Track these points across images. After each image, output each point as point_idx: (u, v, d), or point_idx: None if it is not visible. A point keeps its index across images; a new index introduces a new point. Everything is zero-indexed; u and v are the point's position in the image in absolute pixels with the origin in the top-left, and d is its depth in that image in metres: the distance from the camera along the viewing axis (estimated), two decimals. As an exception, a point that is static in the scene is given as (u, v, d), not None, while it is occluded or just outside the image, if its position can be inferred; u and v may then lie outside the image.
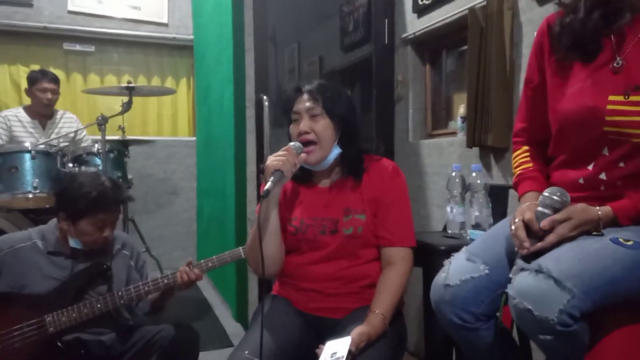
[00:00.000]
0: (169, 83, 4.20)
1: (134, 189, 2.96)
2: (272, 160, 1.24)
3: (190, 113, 4.28)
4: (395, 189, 1.35)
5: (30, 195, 2.33)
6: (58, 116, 3.08)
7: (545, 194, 1.07)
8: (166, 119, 4.23)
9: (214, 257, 1.71)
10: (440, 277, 1.13)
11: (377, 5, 2.67)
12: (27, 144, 2.39)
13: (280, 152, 1.26)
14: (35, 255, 1.60)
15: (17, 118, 2.97)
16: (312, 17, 3.83)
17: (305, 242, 1.34)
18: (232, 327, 2.58)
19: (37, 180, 2.32)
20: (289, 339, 1.28)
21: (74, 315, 1.54)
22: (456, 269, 1.11)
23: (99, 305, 1.56)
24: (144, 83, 4.04)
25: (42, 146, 2.39)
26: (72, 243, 1.61)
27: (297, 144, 1.29)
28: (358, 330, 1.17)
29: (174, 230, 3.94)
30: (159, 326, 1.67)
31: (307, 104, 1.31)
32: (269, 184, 1.20)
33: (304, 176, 1.37)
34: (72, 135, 3.10)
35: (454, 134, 2.24)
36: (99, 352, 1.59)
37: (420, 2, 2.33)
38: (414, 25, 2.39)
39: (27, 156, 2.33)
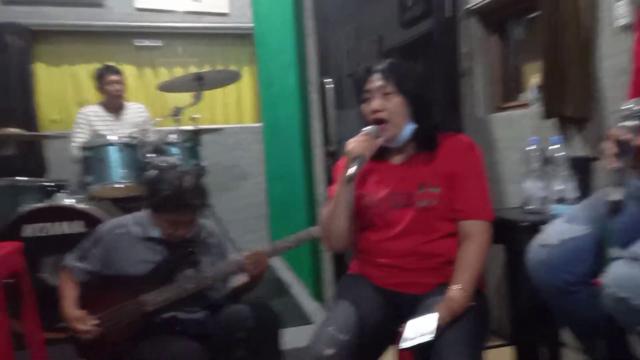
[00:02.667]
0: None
1: (208, 176, 3.11)
2: (353, 145, 1.29)
3: (254, 100, 4.39)
4: (471, 162, 1.35)
5: (117, 185, 2.52)
6: (128, 107, 3.31)
7: (623, 107, 1.02)
8: (232, 107, 4.36)
9: (287, 237, 1.77)
10: (539, 239, 1.11)
11: (438, -23, 2.59)
12: (113, 137, 2.58)
13: (360, 137, 1.31)
14: (132, 240, 1.72)
15: (95, 113, 3.22)
16: (367, -3, 3.77)
17: (380, 218, 1.37)
18: (310, 305, 2.66)
19: (123, 170, 2.51)
20: (370, 315, 1.32)
21: (168, 294, 1.66)
22: (555, 230, 1.10)
23: (189, 286, 1.67)
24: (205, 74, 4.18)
25: (126, 138, 2.57)
26: (153, 232, 1.72)
27: (374, 128, 1.33)
28: (441, 305, 1.19)
29: (245, 214, 4.09)
30: (242, 305, 1.75)
31: (379, 82, 1.33)
32: (353, 169, 1.25)
33: (378, 152, 1.38)
34: (140, 123, 3.30)
35: (525, 105, 2.15)
36: (193, 329, 1.70)
37: (485, -30, 2.23)
38: (479, -5, 2.30)
39: (113, 148, 2.53)
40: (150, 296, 1.65)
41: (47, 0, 3.74)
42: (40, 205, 2.33)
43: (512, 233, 1.44)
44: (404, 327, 1.19)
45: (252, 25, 3.97)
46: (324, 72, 2.41)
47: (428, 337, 1.12)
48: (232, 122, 4.31)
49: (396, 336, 1.25)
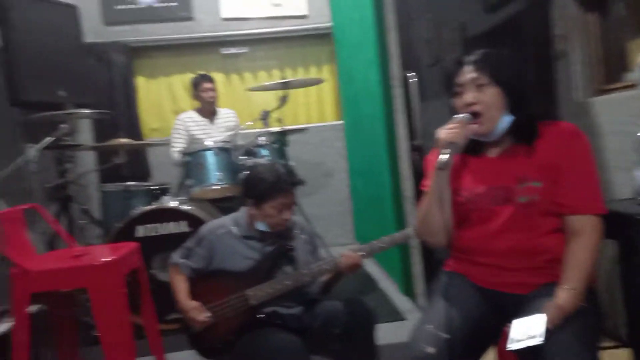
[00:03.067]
0: (313, 72, 4.41)
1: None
2: (444, 133, 1.26)
3: (334, 98, 4.45)
4: (576, 151, 1.26)
5: (216, 187, 2.70)
6: (221, 113, 3.52)
7: None
8: (313, 106, 4.46)
9: (383, 238, 1.78)
10: None
11: (527, -44, 2.45)
12: (209, 143, 2.76)
13: (451, 125, 1.27)
14: (232, 239, 1.85)
15: (191, 119, 3.45)
16: (449, -20, 3.64)
17: (476, 213, 1.32)
18: (401, 302, 2.66)
19: (219, 173, 2.68)
20: (470, 314, 1.28)
21: (269, 290, 1.76)
22: None
23: (288, 282, 1.76)
24: (291, 74, 4.32)
25: (220, 143, 2.74)
26: (259, 226, 1.82)
27: (466, 115, 1.28)
28: (550, 306, 1.13)
29: (331, 210, 4.17)
30: (334, 301, 1.82)
31: (471, 74, 1.28)
32: (444, 156, 1.22)
33: (471, 146, 1.34)
34: (233, 128, 3.51)
35: (632, 87, 1.98)
36: (291, 323, 1.78)
37: (580, -55, 2.08)
38: (574, -29, 2.14)
39: (209, 153, 2.70)
40: (253, 291, 1.76)
41: (143, 18, 4.06)
42: (149, 207, 2.56)
43: (626, 227, 1.33)
44: (509, 328, 1.15)
45: (330, 24, 4.03)
46: (406, 65, 2.38)
47: (538, 340, 1.07)
48: (314, 121, 4.41)
49: (497, 337, 1.22)
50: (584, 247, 1.22)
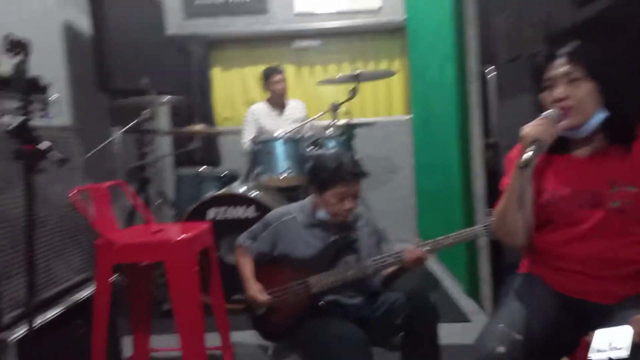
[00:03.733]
0: (384, 66, 4.38)
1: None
2: (530, 129, 1.19)
3: (404, 93, 4.38)
4: None
5: (283, 176, 2.76)
6: (290, 104, 3.61)
7: None
8: (382, 100, 4.42)
9: (450, 234, 1.71)
10: None
11: (626, -58, 2.26)
12: (279, 133, 2.83)
13: (537, 121, 1.20)
14: (297, 226, 1.87)
15: (262, 110, 3.54)
16: (534, -27, 3.46)
17: (560, 216, 1.25)
18: (465, 303, 2.58)
19: (287, 162, 2.74)
20: (547, 318, 1.22)
21: (331, 279, 1.76)
22: None
23: (351, 272, 1.76)
24: (362, 68, 4.30)
25: (290, 134, 2.80)
26: (320, 214, 1.83)
27: (555, 111, 1.20)
28: (637, 318, 1.05)
29: (394, 206, 4.13)
30: (397, 292, 1.79)
31: (564, 68, 1.20)
32: (529, 154, 1.16)
33: (556, 144, 1.25)
34: (302, 119, 3.55)
35: None
36: (353, 313, 1.79)
37: None
38: (682, -42, 1.95)
39: (279, 143, 2.77)
40: (315, 279, 1.78)
41: (221, 12, 4.21)
42: (221, 192, 2.66)
43: None
44: (591, 337, 1.08)
45: (404, 18, 3.97)
46: (484, 60, 2.30)
47: (622, 353, 1.00)
48: (381, 115, 4.37)
49: (573, 346, 1.15)
50: None
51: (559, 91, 1.20)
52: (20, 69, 1.38)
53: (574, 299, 1.25)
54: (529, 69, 1.71)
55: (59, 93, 3.01)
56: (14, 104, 1.82)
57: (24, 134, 1.41)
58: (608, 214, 1.19)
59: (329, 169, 1.77)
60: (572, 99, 1.19)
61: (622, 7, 2.35)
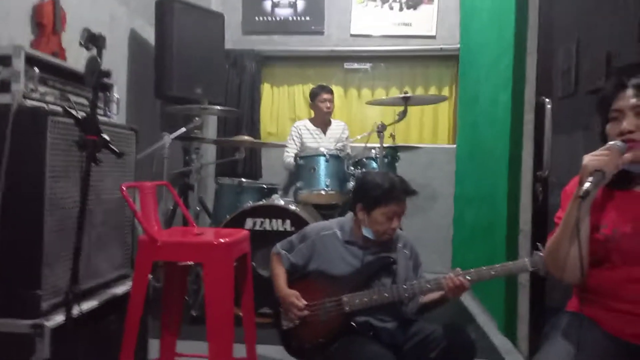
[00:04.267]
0: (433, 92, 4.35)
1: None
2: (591, 159, 1.14)
3: (450, 121, 4.33)
4: None
5: (323, 192, 2.75)
6: (333, 124, 3.63)
7: None
8: (427, 126, 4.38)
9: (495, 265, 1.65)
10: None
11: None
12: (323, 149, 2.83)
13: (600, 151, 1.15)
14: (335, 242, 1.85)
15: (305, 127, 3.59)
16: (597, 6, 3.37)
17: (619, 254, 1.19)
18: (500, 340, 2.47)
19: (329, 179, 2.73)
20: None
21: (365, 299, 1.72)
22: None
23: (386, 295, 1.71)
24: (411, 94, 4.28)
25: (334, 151, 2.80)
26: (365, 232, 1.80)
27: (619, 142, 1.16)
28: None
29: (431, 235, 4.03)
30: (434, 324, 1.73)
31: (634, 100, 1.16)
32: (587, 185, 1.11)
33: (620, 179, 1.21)
34: (343, 138, 3.58)
35: None
36: (385, 338, 1.74)
37: None
38: None
39: (322, 159, 2.77)
40: (349, 297, 1.74)
41: (278, 30, 4.33)
42: (260, 203, 2.68)
43: None
44: None
45: (458, 46, 3.95)
46: (542, 92, 2.24)
47: None
48: (425, 142, 4.33)
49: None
50: None
51: (627, 124, 1.16)
52: (94, 62, 1.44)
53: (630, 345, 1.17)
54: (585, 105, 1.65)
55: (120, 95, 3.17)
56: (84, 96, 1.92)
57: (90, 125, 1.46)
58: None
59: (382, 187, 1.76)
60: None
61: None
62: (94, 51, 1.48)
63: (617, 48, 3.33)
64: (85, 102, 1.87)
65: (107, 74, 1.45)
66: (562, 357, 1.14)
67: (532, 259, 1.56)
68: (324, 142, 3.54)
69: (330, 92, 3.58)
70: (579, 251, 1.18)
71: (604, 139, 1.22)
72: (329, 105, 3.55)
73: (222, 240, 1.68)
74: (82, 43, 1.42)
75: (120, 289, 1.96)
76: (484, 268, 1.65)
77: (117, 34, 3.24)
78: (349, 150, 3.54)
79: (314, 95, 3.59)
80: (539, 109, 2.20)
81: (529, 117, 2.26)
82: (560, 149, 2.26)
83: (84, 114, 1.48)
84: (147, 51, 3.51)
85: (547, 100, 2.18)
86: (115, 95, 2.30)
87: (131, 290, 1.77)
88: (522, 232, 2.31)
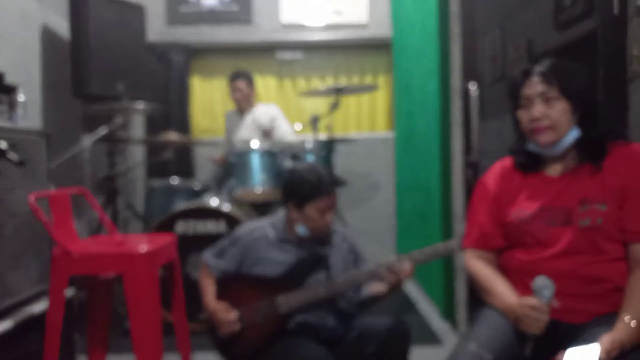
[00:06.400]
0: (368, 81, 4.35)
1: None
2: (530, 328, 1.15)
3: (387, 109, 4.36)
4: None
5: (258, 189, 2.66)
6: (258, 109, 3.39)
7: None
8: (365, 116, 4.39)
9: (425, 248, 1.65)
10: None
11: (605, -30, 2.29)
12: (254, 144, 2.73)
13: (534, 315, 1.13)
14: (267, 242, 1.78)
15: (232, 115, 3.49)
16: (518, -2, 3.50)
17: (530, 235, 1.24)
18: (440, 325, 2.52)
19: (263, 176, 2.65)
20: (517, 338, 1.18)
21: (301, 298, 1.67)
22: None
23: (320, 290, 1.67)
24: (345, 83, 4.27)
25: (267, 146, 2.71)
26: (300, 229, 1.75)
27: (547, 293, 1.13)
28: (608, 337, 1.04)
29: (374, 225, 4.06)
30: (372, 317, 1.72)
31: (539, 87, 1.20)
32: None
33: (530, 163, 1.27)
34: (268, 124, 3.35)
35: None
36: (324, 335, 1.70)
37: (671, -44, 1.90)
38: (661, -15, 1.96)
39: (255, 155, 2.68)
40: (284, 298, 1.69)
41: (204, 20, 4.15)
42: (191, 205, 2.55)
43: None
44: (561, 356, 1.06)
45: (389, 34, 3.96)
46: (468, 78, 2.27)
47: None
48: (364, 130, 4.33)
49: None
50: None
51: (536, 110, 1.21)
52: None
53: (552, 320, 1.20)
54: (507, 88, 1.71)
55: (32, 95, 2.92)
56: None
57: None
58: (578, 232, 1.17)
59: (310, 182, 1.70)
60: (548, 119, 1.20)
61: (600, 34, 2.37)
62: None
63: (537, 35, 3.48)
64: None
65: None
66: (486, 337, 1.19)
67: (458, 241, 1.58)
68: (243, 128, 3.36)
69: (241, 77, 3.34)
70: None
71: (517, 124, 1.28)
72: (238, 95, 3.34)
73: (143, 249, 1.56)
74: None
75: (38, 307, 1.81)
76: (414, 252, 1.64)
77: (28, 31, 2.97)
78: (289, 136, 3.36)
79: (230, 81, 3.40)
80: (466, 95, 2.22)
81: (456, 104, 2.29)
82: (491, 133, 2.32)
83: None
84: (63, 48, 3.25)
85: (473, 86, 2.21)
86: (21, 97, 2.10)
87: (48, 307, 1.63)
88: (456, 217, 2.34)
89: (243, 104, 3.42)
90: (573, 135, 1.21)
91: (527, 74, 1.24)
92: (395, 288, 1.68)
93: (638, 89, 2.16)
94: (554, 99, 1.19)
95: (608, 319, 1.11)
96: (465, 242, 1.39)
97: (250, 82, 3.42)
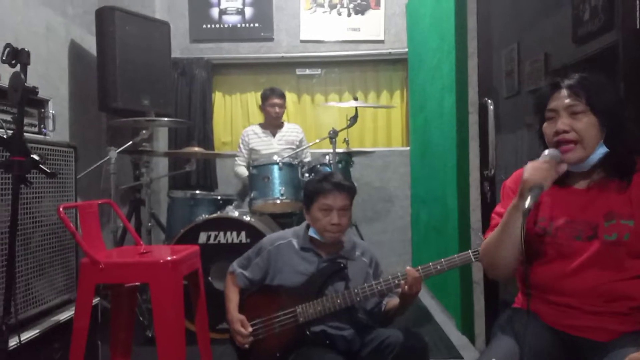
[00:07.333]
0: (384, 96, 4.40)
1: (356, 197, 3.17)
2: (531, 173, 1.16)
3: (403, 124, 4.40)
4: None
5: (278, 201, 2.71)
6: (285, 127, 3.60)
7: None
8: (381, 130, 4.43)
9: (442, 259, 1.68)
10: None
11: (625, -15, 2.31)
12: (276, 157, 2.80)
13: (539, 163, 1.17)
14: (290, 251, 1.83)
15: (254, 132, 3.56)
16: (534, 12, 3.53)
17: (554, 247, 1.22)
18: (457, 338, 2.51)
19: (283, 187, 2.70)
20: (539, 355, 1.18)
21: (319, 308, 1.71)
22: None
23: (338, 301, 1.70)
24: (362, 98, 4.33)
25: (287, 159, 2.77)
26: (311, 233, 1.81)
27: (556, 152, 1.18)
28: (634, 357, 1.01)
29: (390, 237, 4.08)
30: (390, 329, 1.73)
31: (567, 100, 1.18)
32: (529, 201, 1.13)
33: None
34: (297, 142, 3.55)
35: None
36: (341, 345, 1.72)
37: (689, -28, 1.92)
38: (680, 0, 1.98)
39: (276, 167, 2.74)
40: (302, 308, 1.72)
41: (226, 37, 4.26)
42: (214, 215, 2.62)
43: None
44: None
45: (406, 50, 4.01)
46: (484, 93, 2.30)
47: None
48: (380, 145, 4.37)
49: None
50: None
51: (562, 123, 1.19)
52: (17, 78, 1.37)
53: (568, 335, 1.21)
54: (528, 104, 1.71)
55: (60, 109, 3.03)
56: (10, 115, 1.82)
57: (15, 145, 1.38)
58: (603, 247, 1.16)
59: (314, 183, 1.80)
60: (574, 132, 1.18)
61: (619, 48, 2.38)
62: (20, 66, 1.40)
63: (554, 49, 3.49)
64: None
65: (33, 91, 1.36)
66: (507, 352, 1.17)
67: (474, 252, 1.62)
68: (274, 145, 3.49)
69: (281, 96, 3.54)
70: (512, 255, 1.22)
71: (542, 138, 1.25)
72: (277, 110, 3.50)
73: (168, 259, 1.62)
74: (4, 59, 1.34)
75: (63, 315, 1.87)
76: (430, 263, 1.67)
77: (54, 45, 3.10)
78: (308, 156, 3.51)
79: (264, 98, 3.55)
80: (482, 110, 2.25)
81: (473, 119, 2.31)
82: (506, 147, 2.33)
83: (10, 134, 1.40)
84: (89, 62, 3.38)
85: (489, 101, 2.23)
86: (51, 111, 2.19)
87: (74, 315, 1.69)
88: (473, 230, 2.35)
89: (277, 120, 3.54)
90: (601, 151, 1.18)
91: (554, 87, 1.22)
92: (409, 300, 1.71)
93: (658, 104, 2.17)
94: (581, 113, 1.17)
95: (634, 337, 1.09)
96: (487, 233, 1.36)
97: (284, 100, 3.58)
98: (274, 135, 3.56)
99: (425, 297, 3.29)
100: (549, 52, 3.47)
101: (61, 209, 1.65)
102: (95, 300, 2.04)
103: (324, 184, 1.77)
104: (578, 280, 1.18)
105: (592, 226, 1.18)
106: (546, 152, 1.20)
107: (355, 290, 1.71)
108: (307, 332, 1.72)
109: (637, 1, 2.22)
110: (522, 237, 1.15)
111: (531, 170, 1.17)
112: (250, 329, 1.74)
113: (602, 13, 2.75)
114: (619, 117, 1.19)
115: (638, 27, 2.22)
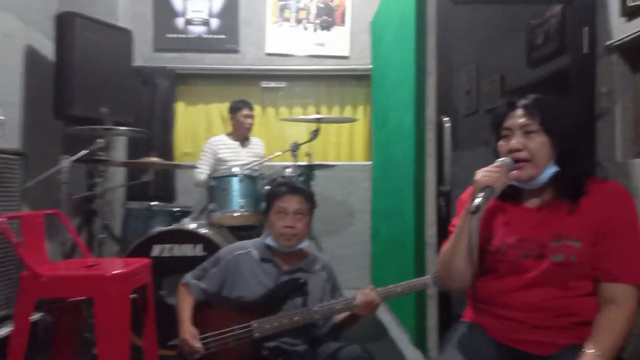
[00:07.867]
0: (348, 111, 4.44)
1: (317, 210, 3.17)
2: (482, 175, 1.20)
3: (366, 139, 4.44)
4: (626, 216, 1.17)
5: (237, 214, 2.67)
6: (252, 140, 3.63)
7: None
8: (344, 145, 4.46)
9: (401, 283, 1.69)
10: None
11: (574, 13, 2.44)
12: (236, 169, 2.76)
13: (491, 168, 1.21)
14: (249, 261, 1.81)
15: (222, 142, 3.53)
16: (492, 35, 3.67)
17: (504, 264, 1.24)
18: (411, 353, 2.52)
19: (242, 200, 2.66)
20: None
21: (276, 324, 1.68)
22: None
23: (296, 318, 1.68)
24: (326, 112, 4.36)
25: (247, 171, 2.74)
26: (267, 240, 1.80)
27: (508, 159, 1.22)
28: None
29: (351, 251, 4.08)
30: (341, 343, 1.72)
31: (522, 119, 1.22)
32: (478, 200, 1.15)
33: (509, 193, 1.27)
34: (261, 155, 3.58)
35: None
36: (294, 360, 1.70)
37: (630, 4, 2.04)
38: (622, 30, 2.10)
39: (236, 179, 2.70)
40: (259, 323, 1.69)
41: (191, 47, 4.22)
42: (169, 227, 2.55)
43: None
44: None
45: (370, 66, 4.07)
46: (442, 111, 2.35)
47: None
48: (343, 159, 4.40)
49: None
50: (618, 317, 1.12)
51: (515, 142, 1.22)
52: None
53: (513, 350, 1.22)
54: (485, 122, 1.77)
55: (13, 116, 2.90)
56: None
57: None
58: (550, 267, 1.18)
59: (272, 188, 1.83)
60: (527, 151, 1.21)
61: (570, 71, 2.50)
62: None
63: (509, 71, 3.64)
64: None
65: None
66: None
67: (434, 276, 1.63)
68: (243, 156, 3.48)
69: (252, 107, 3.58)
70: (469, 261, 1.23)
71: (497, 155, 1.28)
72: (250, 121, 3.54)
73: (113, 272, 1.56)
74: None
75: (2, 331, 1.77)
76: (392, 286, 1.68)
77: (10, 50, 2.98)
78: (265, 169, 3.49)
79: (235, 110, 3.54)
80: (440, 127, 2.30)
81: (430, 136, 2.35)
82: (464, 163, 2.38)
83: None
84: (46, 69, 3.27)
85: (445, 119, 2.28)
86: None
87: (11, 332, 1.60)
88: (429, 245, 2.38)
89: (248, 132, 3.57)
90: (551, 171, 1.21)
91: (510, 106, 1.26)
92: (361, 319, 1.72)
93: (606, 125, 2.28)
94: (534, 132, 1.20)
95: (575, 351, 1.12)
96: (443, 244, 1.38)
97: (253, 113, 3.60)
98: (243, 146, 3.56)
99: (382, 312, 3.30)
100: (504, 74, 3.62)
101: (1, 220, 1.57)
102: (38, 316, 1.95)
103: (279, 188, 1.80)
104: (525, 296, 1.20)
105: (541, 245, 1.20)
106: (499, 159, 1.23)
107: (315, 309, 1.69)
108: (261, 348, 1.69)
109: (585, 29, 2.35)
110: (477, 234, 1.17)
111: (483, 172, 1.21)
112: (198, 344, 1.69)
113: (554, 38, 2.89)
114: (571, 138, 1.22)
115: (585, 51, 2.35)
